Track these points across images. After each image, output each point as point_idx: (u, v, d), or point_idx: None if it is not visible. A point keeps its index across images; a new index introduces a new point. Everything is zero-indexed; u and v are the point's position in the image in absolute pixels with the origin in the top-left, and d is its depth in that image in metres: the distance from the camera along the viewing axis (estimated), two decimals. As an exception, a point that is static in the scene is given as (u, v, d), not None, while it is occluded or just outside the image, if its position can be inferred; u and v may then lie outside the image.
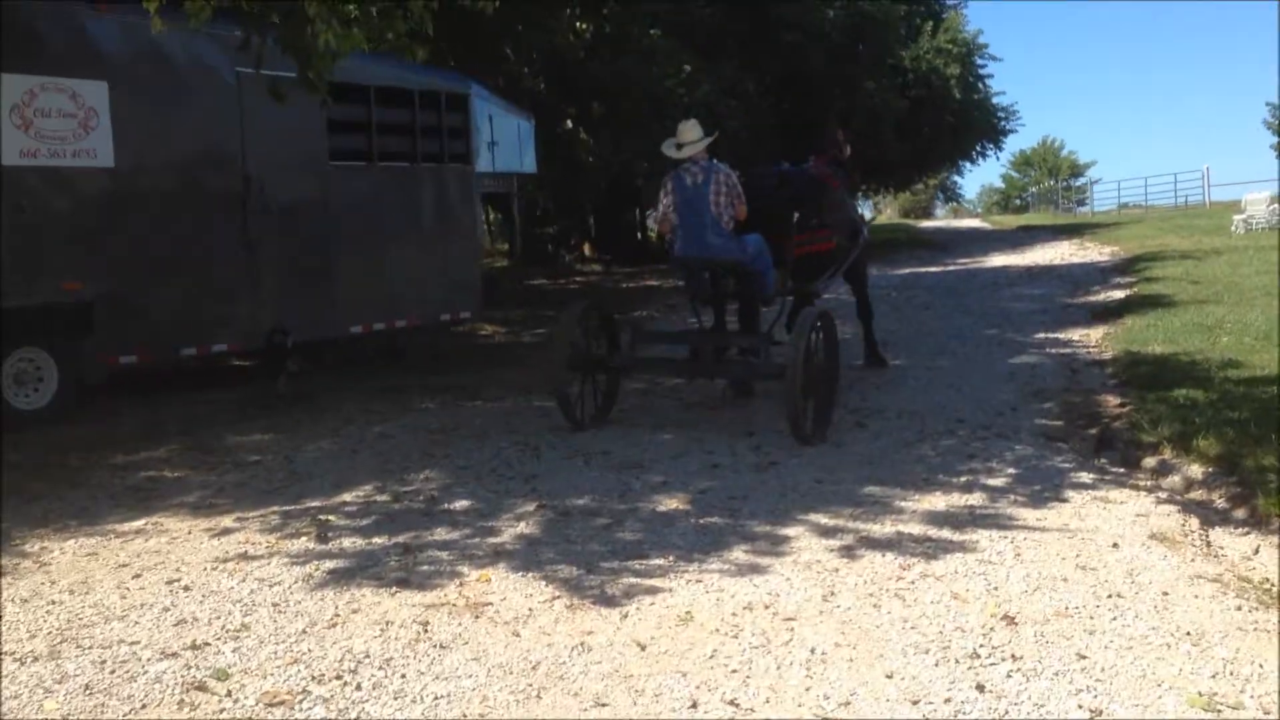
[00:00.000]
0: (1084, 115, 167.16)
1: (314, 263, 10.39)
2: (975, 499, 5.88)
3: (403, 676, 3.78)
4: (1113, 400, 8.39)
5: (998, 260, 25.36)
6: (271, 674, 3.82)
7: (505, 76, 16.80)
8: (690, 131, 7.92)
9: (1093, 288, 17.40)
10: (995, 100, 36.93)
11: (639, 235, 37.29)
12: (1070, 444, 7.27)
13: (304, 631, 4.21)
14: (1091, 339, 11.92)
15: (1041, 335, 12.36)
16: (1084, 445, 7.25)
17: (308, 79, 6.69)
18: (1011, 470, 6.48)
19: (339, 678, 3.78)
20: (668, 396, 9.50)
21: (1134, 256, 22.43)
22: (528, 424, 8.29)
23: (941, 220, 62.12)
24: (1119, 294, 15.78)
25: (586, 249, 33.14)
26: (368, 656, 3.95)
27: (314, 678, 3.78)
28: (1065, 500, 5.83)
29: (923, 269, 24.17)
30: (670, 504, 5.91)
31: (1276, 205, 27.26)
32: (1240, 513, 5.75)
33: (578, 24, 16.97)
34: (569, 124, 17.70)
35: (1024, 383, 9.40)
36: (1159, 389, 8.19)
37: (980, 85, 35.38)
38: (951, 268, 23.84)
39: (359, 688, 3.70)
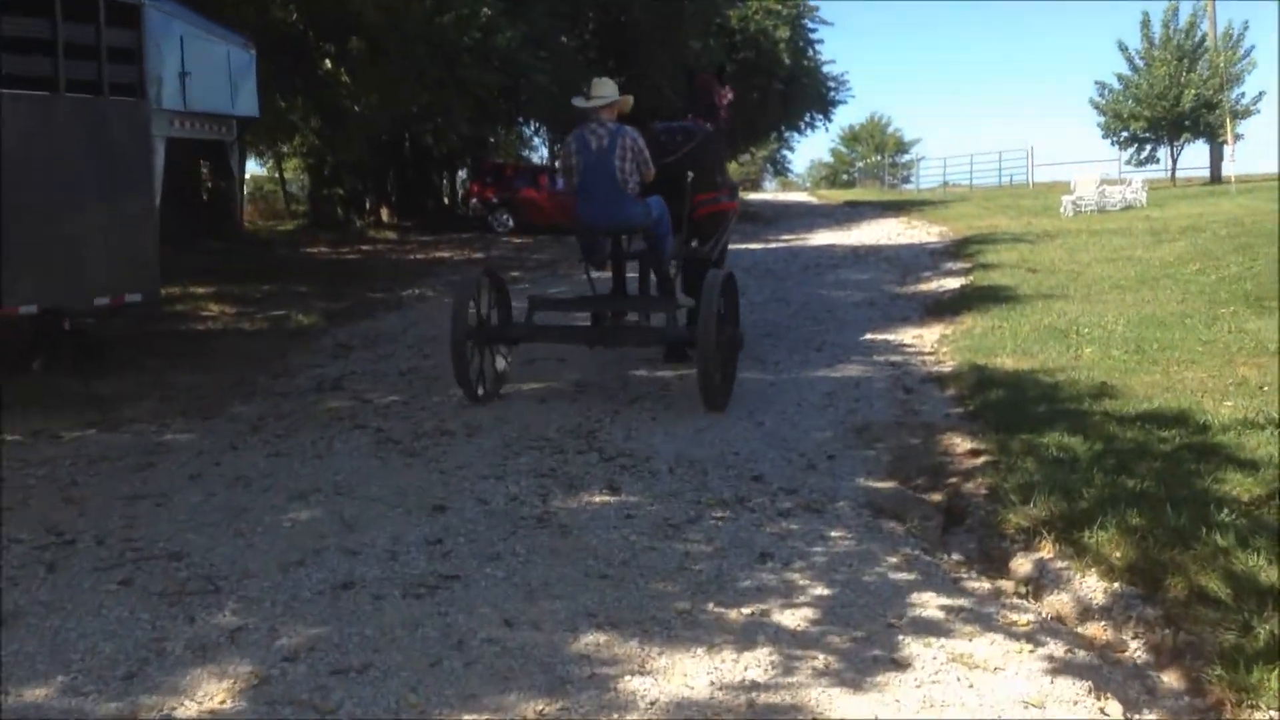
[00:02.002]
0: (908, 91, 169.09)
1: None
2: (758, 662, 3.49)
3: None
4: (961, 443, 6.19)
5: (823, 238, 23.46)
6: None
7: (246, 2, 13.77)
8: (602, 87, 7.64)
9: (923, 274, 15.50)
10: (825, 69, 35.25)
11: (445, 200, 34.36)
12: (907, 522, 4.99)
13: None
14: (926, 341, 9.84)
15: (869, 337, 10.21)
16: (926, 526, 5.00)
17: None
18: (821, 588, 4.11)
19: None
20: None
21: (964, 238, 20.84)
22: (151, 479, 5.58)
23: (769, 193, 60.74)
24: (953, 283, 13.87)
25: (384, 214, 30.00)
26: None
27: None
28: (903, 662, 3.50)
29: (743, 245, 21.99)
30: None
31: (1104, 186, 26.20)
32: (1171, 678, 3.57)
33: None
34: (328, 64, 14.75)
35: (846, 410, 7.15)
36: (1020, 428, 6.05)
37: (810, 50, 33.65)
38: (774, 245, 21.80)
39: None
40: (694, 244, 8.57)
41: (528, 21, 21.92)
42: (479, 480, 5.48)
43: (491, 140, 30.38)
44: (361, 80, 14.89)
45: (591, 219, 7.64)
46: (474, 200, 28.90)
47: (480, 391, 7.46)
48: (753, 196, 59.13)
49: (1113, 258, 15.31)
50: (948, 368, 8.49)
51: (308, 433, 6.60)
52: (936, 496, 5.42)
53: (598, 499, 5.21)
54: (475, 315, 7.48)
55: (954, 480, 5.58)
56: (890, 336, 10.19)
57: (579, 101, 7.74)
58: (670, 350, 8.73)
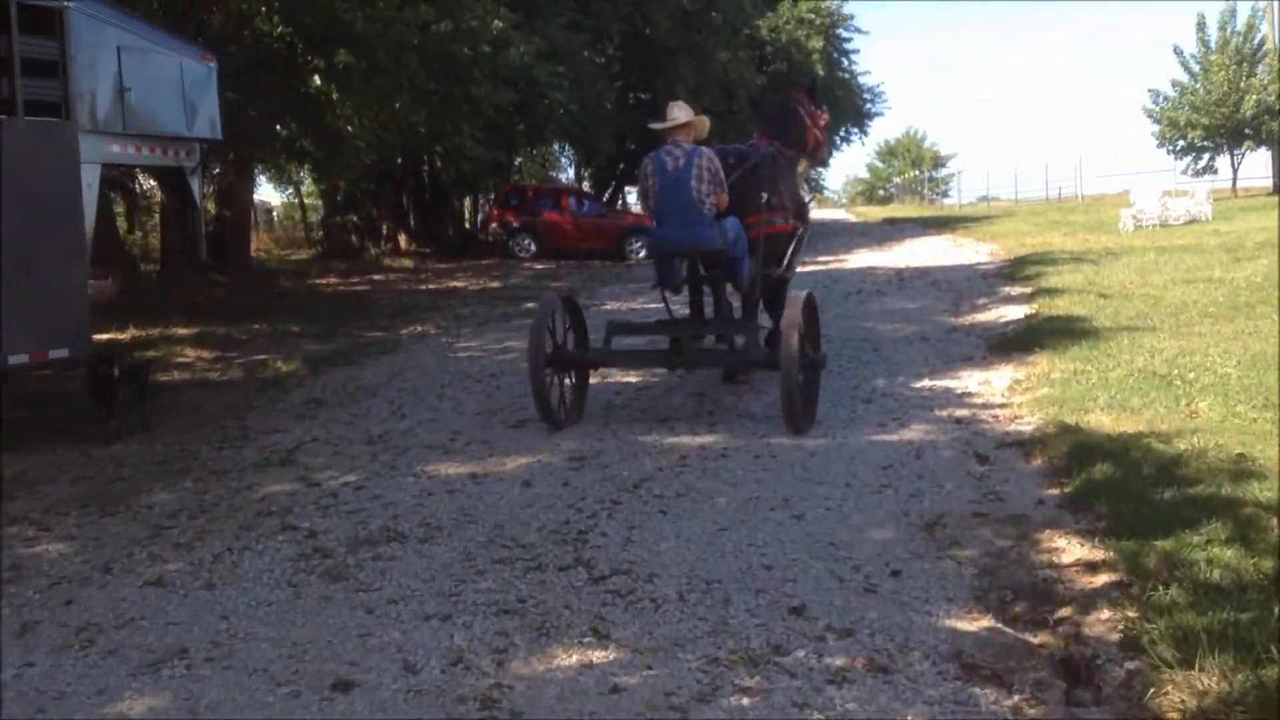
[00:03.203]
0: (944, 104, 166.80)
1: None
2: None
3: None
4: (1068, 548, 4.66)
5: (862, 259, 21.92)
6: None
7: (227, 14, 12.47)
8: (677, 109, 7.74)
9: (979, 300, 13.92)
10: (860, 80, 33.74)
11: (466, 225, 33.10)
12: (1012, 690, 3.47)
13: None
14: (995, 389, 8.28)
15: (926, 383, 8.66)
16: (1040, 696, 3.48)
17: None
18: None
19: None
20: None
21: (1017, 258, 19.23)
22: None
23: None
24: (1015, 312, 12.28)
25: (402, 240, 28.75)
26: None
27: None
28: None
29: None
30: None
31: (1165, 199, 24.47)
32: None
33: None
34: (317, 80, 13.41)
35: (908, 493, 5.61)
36: (1149, 527, 4.52)
37: (845, 61, 32.19)
38: (809, 268, 20.19)
39: None
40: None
41: (544, 35, 20.59)
42: (416, 625, 4.00)
43: (510, 161, 29.00)
44: (353, 97, 13.53)
45: (668, 241, 7.62)
46: (494, 225, 27.58)
47: (559, 416, 7.38)
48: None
49: (1189, 279, 13.67)
50: (1028, 426, 6.94)
51: (219, 539, 5.15)
52: (1046, 639, 3.88)
53: (574, 657, 3.72)
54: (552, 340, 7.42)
55: (1069, 612, 4.05)
56: (951, 383, 8.64)
57: (655, 124, 7.83)
58: (729, 372, 8.66)
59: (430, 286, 20.29)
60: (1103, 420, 6.65)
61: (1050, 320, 10.94)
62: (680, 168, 7.43)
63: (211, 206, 23.29)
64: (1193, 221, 23.87)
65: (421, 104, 15.25)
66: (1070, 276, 14.84)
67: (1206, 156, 35.11)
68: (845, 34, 32.19)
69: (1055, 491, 5.48)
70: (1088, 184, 41.11)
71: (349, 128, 14.20)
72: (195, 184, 9.86)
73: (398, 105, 14.10)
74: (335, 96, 13.31)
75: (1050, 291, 13.31)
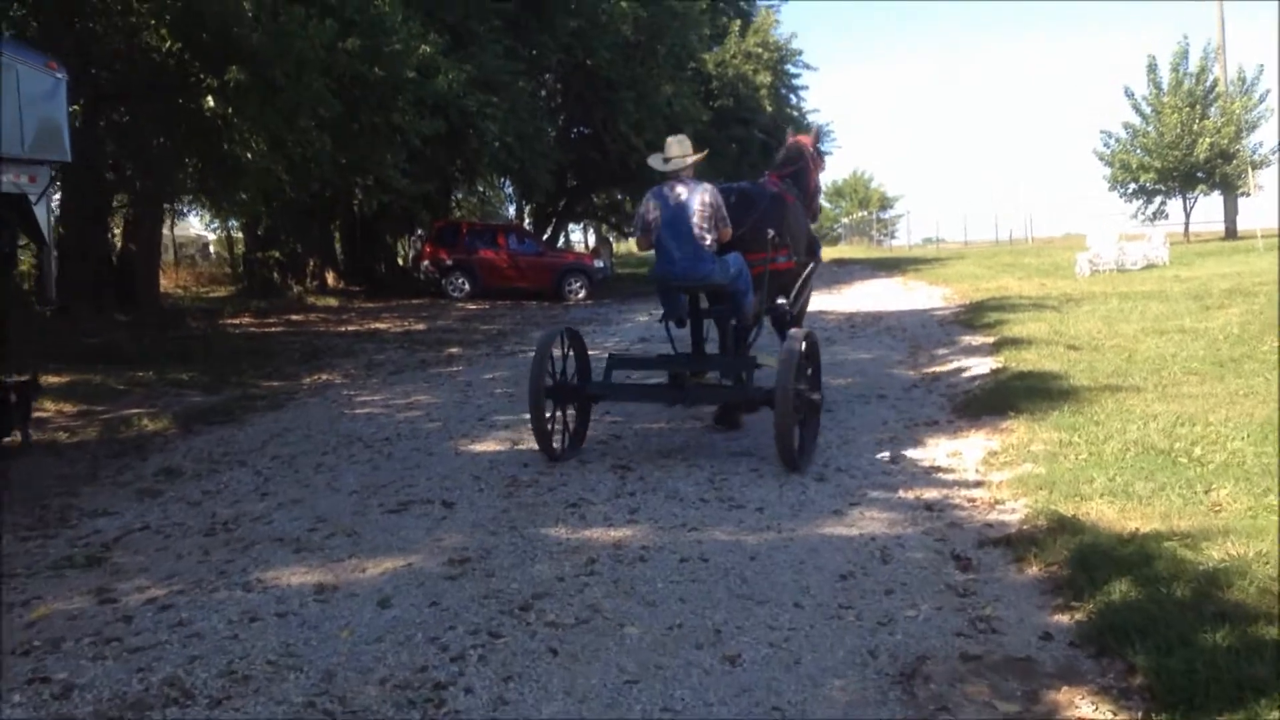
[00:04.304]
0: (892, 142, 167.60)
1: None
2: None
3: None
4: (1095, 717, 3.42)
5: (811, 302, 20.73)
6: None
7: (110, 27, 11.08)
8: (677, 146, 7.56)
9: (938, 351, 12.80)
10: (809, 118, 32.83)
11: (400, 262, 31.69)
12: None
13: None
14: (968, 462, 7.09)
15: (886, 454, 7.43)
16: None
17: None
18: None
19: None
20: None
21: (974, 303, 18.26)
22: None
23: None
24: (979, 365, 11.14)
25: (330, 278, 27.27)
26: None
27: None
28: None
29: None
30: None
31: (1123, 243, 23.68)
32: None
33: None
34: (210, 101, 12.02)
35: (873, 620, 4.33)
36: (1200, 689, 3.29)
37: (793, 98, 31.26)
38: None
39: None
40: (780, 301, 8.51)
41: (476, 63, 19.38)
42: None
43: (445, 197, 27.68)
44: (248, 120, 12.16)
45: (670, 275, 7.59)
46: (426, 263, 26.23)
47: (559, 449, 7.40)
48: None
49: (1160, 329, 12.68)
50: (1013, 515, 5.73)
51: None
52: None
53: None
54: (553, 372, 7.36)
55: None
56: (916, 453, 7.42)
57: (656, 164, 7.67)
58: (721, 413, 8.52)
59: (351, 328, 18.89)
60: (1105, 512, 5.45)
61: (1020, 377, 9.80)
62: (682, 203, 7.41)
63: (118, 240, 21.80)
64: (1150, 266, 23.12)
65: (332, 130, 13.90)
66: (1033, 325, 13.79)
67: (1158, 200, 34.62)
68: (793, 69, 31.32)
69: (1065, 619, 4.24)
70: (1038, 227, 40.53)
71: (248, 154, 12.81)
72: (42, 213, 8.45)
73: (301, 130, 12.69)
74: (233, 120, 11.93)
75: (1015, 342, 12.21)
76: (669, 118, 26.11)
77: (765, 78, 28.41)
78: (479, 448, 7.96)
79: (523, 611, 4.46)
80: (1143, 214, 34.51)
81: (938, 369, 11.37)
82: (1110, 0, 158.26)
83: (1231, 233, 33.84)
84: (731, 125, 28.34)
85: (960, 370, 11.11)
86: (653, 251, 7.73)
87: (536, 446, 7.30)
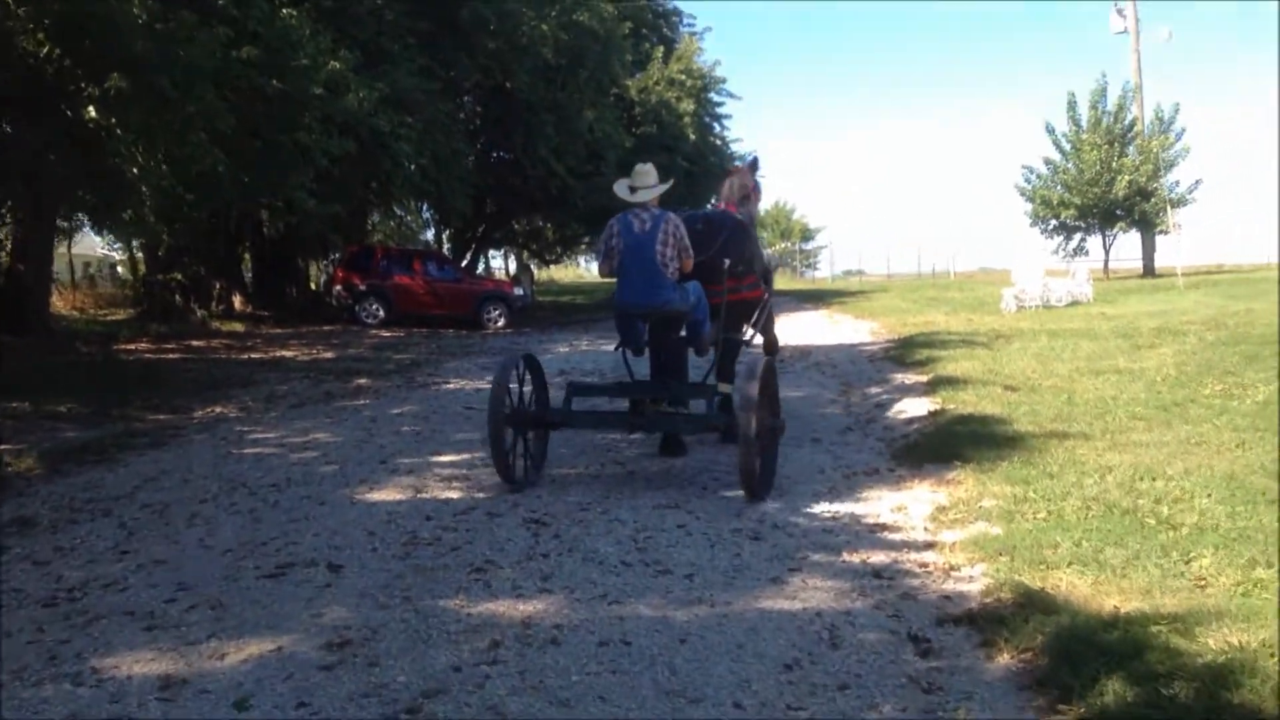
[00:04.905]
0: (814, 173, 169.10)
1: None
2: None
3: None
4: None
5: (737, 335, 20.20)
6: None
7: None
8: (645, 176, 7.72)
9: (871, 390, 12.27)
10: (732, 148, 32.49)
11: (312, 287, 30.60)
12: None
13: None
14: (915, 519, 6.48)
15: (824, 507, 6.79)
16: None
17: None
18: None
19: None
20: None
21: (903, 338, 17.86)
22: None
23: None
24: (916, 406, 10.62)
25: (237, 302, 26.12)
26: None
27: None
28: None
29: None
30: None
31: (1047, 279, 23.56)
32: None
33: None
34: (92, 111, 11.07)
35: (829, 727, 3.68)
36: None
37: (717, 126, 30.87)
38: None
39: None
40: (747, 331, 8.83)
41: (389, 81, 18.58)
42: None
43: (359, 219, 26.73)
44: (135, 133, 11.22)
45: (632, 302, 7.68)
46: (338, 287, 25.24)
47: (519, 477, 7.34)
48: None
49: (1095, 369, 12.30)
50: (973, 586, 5.11)
51: None
52: None
53: None
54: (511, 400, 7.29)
55: None
56: (857, 508, 6.80)
57: (623, 193, 7.75)
58: (667, 442, 8.54)
59: (255, 356, 17.89)
60: (1076, 584, 4.86)
61: (961, 420, 9.27)
62: (647, 231, 7.53)
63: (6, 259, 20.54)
64: (1074, 303, 23.02)
65: (232, 147, 13.01)
66: (966, 363, 13.34)
67: (1078, 236, 34.85)
68: (717, 98, 30.95)
69: (1054, 727, 3.61)
70: (960, 261, 40.60)
71: (134, 169, 11.85)
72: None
73: (193, 145, 11.77)
74: (116, 131, 10.99)
75: (950, 381, 11.72)
76: (590, 143, 25.52)
77: (689, 105, 27.96)
78: (377, 496, 7.16)
79: (409, 716, 3.71)
80: (1063, 250, 34.73)
81: (873, 409, 10.82)
82: (1034, 34, 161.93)
83: (1150, 270, 34.15)
84: (655, 152, 27.73)
85: (896, 412, 10.57)
86: (613, 279, 7.87)
87: (439, 496, 6.57)
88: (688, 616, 4.73)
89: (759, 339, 9.83)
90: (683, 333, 8.22)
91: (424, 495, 7.14)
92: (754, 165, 9.89)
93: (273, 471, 8.05)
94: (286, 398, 12.66)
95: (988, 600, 4.85)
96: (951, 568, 5.44)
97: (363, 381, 14.34)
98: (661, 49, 28.62)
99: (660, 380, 8.17)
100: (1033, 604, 4.65)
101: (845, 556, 5.70)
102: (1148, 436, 8.28)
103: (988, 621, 4.56)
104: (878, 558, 5.67)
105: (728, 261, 8.11)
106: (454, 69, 22.51)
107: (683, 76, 28.19)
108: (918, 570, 5.45)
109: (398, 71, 19.42)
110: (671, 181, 8.37)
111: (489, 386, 13.32)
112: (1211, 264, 36.20)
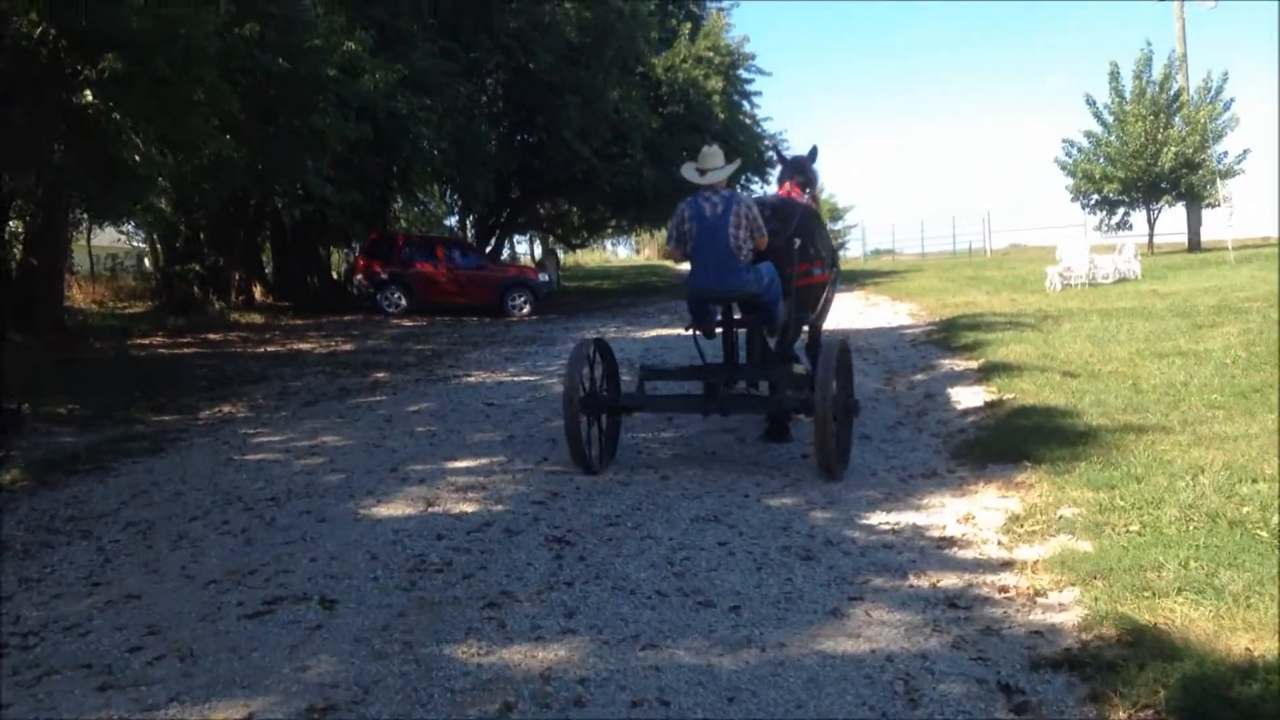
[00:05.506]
0: (845, 151, 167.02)
1: None
2: None
3: None
4: None
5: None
6: None
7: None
8: (713, 158, 7.61)
9: (917, 378, 11.51)
10: (762, 126, 31.54)
11: (334, 276, 30.04)
12: None
13: None
14: (986, 531, 5.73)
15: (882, 518, 6.06)
16: None
17: None
18: None
19: None
20: None
21: (945, 320, 17.03)
22: None
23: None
24: (970, 396, 9.87)
25: (257, 292, 25.58)
26: None
27: None
28: None
29: (670, 331, 18.07)
30: None
31: (1093, 256, 22.63)
32: None
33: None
34: (89, 95, 10.44)
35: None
36: None
37: (746, 105, 29.98)
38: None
39: None
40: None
41: (407, 63, 17.89)
42: None
43: (381, 206, 26.10)
44: (128, 115, 10.57)
45: (706, 286, 7.60)
46: (359, 276, 24.63)
47: (594, 464, 7.35)
48: (684, 266, 55.48)
49: (1157, 351, 11.47)
50: (1066, 617, 4.38)
51: None
52: None
53: None
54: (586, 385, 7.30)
55: None
56: (919, 518, 6.06)
57: (691, 176, 7.66)
58: (773, 427, 8.50)
59: (272, 349, 17.28)
60: (1192, 618, 4.12)
61: (1023, 413, 8.51)
62: (719, 214, 7.43)
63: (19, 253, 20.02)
64: (1122, 280, 22.08)
65: (244, 132, 12.36)
66: (1016, 347, 12.54)
67: (1121, 211, 33.71)
68: (746, 74, 30.04)
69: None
70: (996, 238, 39.57)
71: (136, 157, 11.22)
72: None
73: (196, 130, 11.12)
74: (113, 117, 10.36)
75: (1003, 368, 10.94)
76: (616, 124, 24.76)
77: (717, 83, 27.07)
78: (385, 511, 6.48)
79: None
80: (1106, 225, 33.62)
81: (922, 401, 10.06)
82: (1073, 1, 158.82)
83: (1195, 244, 33.00)
84: (683, 133, 26.98)
85: (948, 402, 9.81)
86: (687, 264, 7.76)
87: (452, 510, 5.87)
88: (735, 664, 4.01)
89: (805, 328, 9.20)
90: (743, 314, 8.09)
91: (435, 509, 6.45)
92: (813, 154, 9.51)
93: (273, 482, 7.38)
94: (299, 394, 12.02)
95: (1087, 637, 4.13)
96: (1037, 593, 4.71)
97: (380, 375, 13.69)
98: (689, 25, 27.72)
99: (732, 362, 8.16)
100: (1144, 643, 3.92)
101: (912, 580, 4.98)
102: (1232, 428, 7.49)
103: (1093, 667, 3.84)
104: (949, 581, 4.95)
105: (798, 242, 8.00)
106: (475, 50, 21.78)
107: (710, 53, 27.30)
108: (998, 597, 4.72)
109: (416, 53, 18.71)
110: (739, 161, 8.28)
111: (510, 380, 12.83)
112: (1259, 237, 34.93)
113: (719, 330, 8.04)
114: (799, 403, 7.29)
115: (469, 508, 6.47)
